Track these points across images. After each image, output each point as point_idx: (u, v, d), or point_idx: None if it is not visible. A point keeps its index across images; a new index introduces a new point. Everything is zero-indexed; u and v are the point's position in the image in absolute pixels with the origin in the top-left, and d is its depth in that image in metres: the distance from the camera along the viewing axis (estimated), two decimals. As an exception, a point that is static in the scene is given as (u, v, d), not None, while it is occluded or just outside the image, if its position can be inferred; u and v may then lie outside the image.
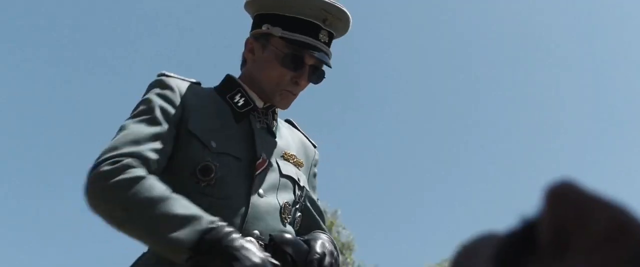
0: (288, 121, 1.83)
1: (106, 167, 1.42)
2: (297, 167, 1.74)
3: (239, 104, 1.66)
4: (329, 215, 21.44)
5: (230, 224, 1.46)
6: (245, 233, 1.49)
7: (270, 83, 1.66)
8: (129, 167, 1.43)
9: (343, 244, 21.46)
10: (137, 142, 1.49)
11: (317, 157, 1.85)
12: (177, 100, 1.58)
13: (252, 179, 1.59)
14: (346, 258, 21.45)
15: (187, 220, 1.38)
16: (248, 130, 1.66)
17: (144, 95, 1.62)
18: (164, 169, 1.53)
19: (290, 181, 1.68)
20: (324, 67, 1.73)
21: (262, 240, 1.51)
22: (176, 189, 1.48)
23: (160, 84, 1.62)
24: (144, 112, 1.56)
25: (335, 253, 1.57)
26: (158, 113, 1.55)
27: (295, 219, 1.67)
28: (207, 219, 1.39)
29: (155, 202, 1.40)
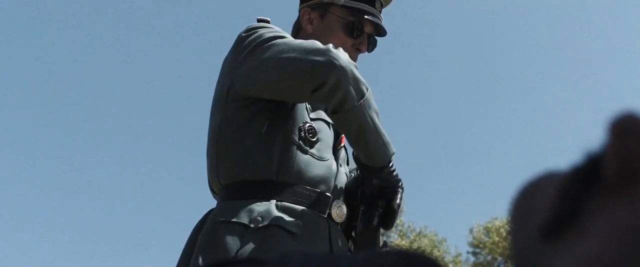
0: None
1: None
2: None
3: None
4: (376, 178, 21.50)
5: (326, 184, 1.54)
6: (336, 195, 1.56)
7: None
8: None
9: (392, 207, 21.48)
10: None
11: None
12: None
13: (338, 149, 1.65)
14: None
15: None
16: None
17: (263, 28, 1.57)
18: (270, 118, 1.53)
19: (347, 154, 1.74)
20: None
21: (344, 205, 1.57)
22: (279, 140, 1.51)
23: (271, 25, 1.60)
24: (282, 36, 1.53)
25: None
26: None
27: None
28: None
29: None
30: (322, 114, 1.62)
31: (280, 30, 1.57)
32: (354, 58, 1.68)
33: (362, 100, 1.42)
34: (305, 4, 1.77)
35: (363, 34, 1.71)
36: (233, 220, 1.42)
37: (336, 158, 1.61)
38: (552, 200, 0.24)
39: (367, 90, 1.44)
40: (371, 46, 1.75)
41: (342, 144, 1.66)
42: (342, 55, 1.42)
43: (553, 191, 0.24)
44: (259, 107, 1.53)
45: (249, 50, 1.51)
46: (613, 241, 0.21)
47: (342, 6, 1.71)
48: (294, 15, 1.84)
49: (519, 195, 0.25)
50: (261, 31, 1.54)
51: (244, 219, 1.41)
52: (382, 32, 1.75)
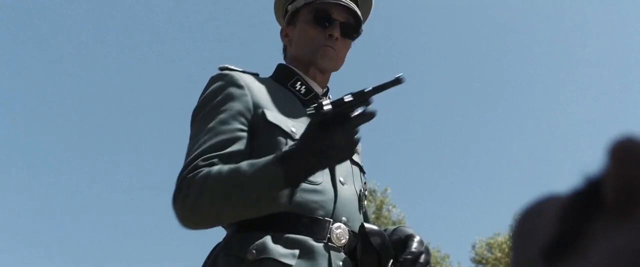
0: None
1: (182, 193, 1.37)
2: (357, 154, 1.73)
3: (302, 92, 1.67)
4: (378, 194, 21.49)
5: (324, 209, 1.48)
6: (336, 219, 1.50)
7: (307, 47, 1.68)
8: (202, 178, 1.37)
9: (394, 223, 21.48)
10: (210, 150, 1.42)
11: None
12: (246, 94, 1.54)
13: (333, 167, 1.56)
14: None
15: (263, 161, 1.32)
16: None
17: (209, 93, 1.56)
18: (250, 154, 1.47)
19: (358, 168, 1.70)
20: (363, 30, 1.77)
21: (348, 226, 1.52)
22: None
23: (223, 79, 1.57)
24: (214, 114, 1.50)
25: (429, 252, 1.55)
26: (229, 115, 1.49)
27: (364, 205, 1.68)
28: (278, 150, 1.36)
29: (230, 175, 1.34)
30: None
31: (224, 97, 1.53)
32: (330, 45, 1.66)
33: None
34: (284, 25, 1.79)
35: (334, 21, 1.67)
36: (231, 253, 1.42)
37: (333, 177, 1.55)
38: (553, 223, 0.24)
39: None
40: (348, 31, 1.70)
41: None
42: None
43: (554, 214, 0.24)
44: (238, 157, 1.47)
45: (191, 131, 1.53)
46: (613, 265, 0.21)
47: (306, 4, 1.70)
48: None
49: (521, 217, 0.26)
50: (203, 101, 1.55)
51: (240, 252, 1.40)
52: (354, 15, 1.70)
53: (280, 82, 1.68)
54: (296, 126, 1.55)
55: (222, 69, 1.63)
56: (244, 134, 1.48)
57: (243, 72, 1.63)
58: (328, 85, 1.74)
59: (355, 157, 1.69)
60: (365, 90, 1.29)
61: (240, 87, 1.54)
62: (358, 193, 1.62)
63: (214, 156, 1.41)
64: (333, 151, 1.28)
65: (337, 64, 1.70)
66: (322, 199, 1.49)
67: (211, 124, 1.47)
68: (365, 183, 1.71)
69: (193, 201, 1.34)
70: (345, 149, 1.30)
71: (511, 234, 0.26)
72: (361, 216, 1.62)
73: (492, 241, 22.91)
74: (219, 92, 1.54)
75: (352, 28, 1.71)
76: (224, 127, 1.46)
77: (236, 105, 1.51)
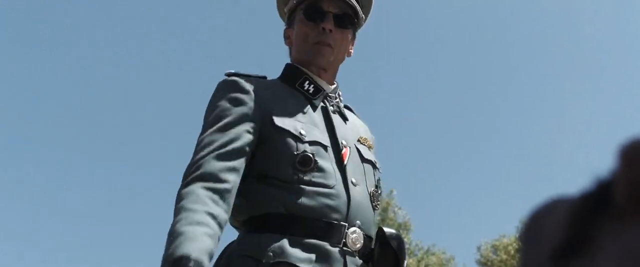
0: (346, 107, 1.79)
1: (179, 192, 1.39)
2: (370, 150, 1.72)
3: (310, 91, 1.65)
4: (384, 196, 21.47)
5: (339, 213, 1.48)
6: (351, 223, 1.50)
7: (303, 43, 1.66)
8: (178, 197, 1.39)
9: (400, 225, 21.42)
10: (212, 159, 1.43)
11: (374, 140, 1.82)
12: (252, 100, 1.54)
13: (343, 167, 1.56)
14: (404, 238, 21.38)
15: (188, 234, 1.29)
16: (326, 116, 1.64)
17: (215, 98, 1.56)
18: (261, 170, 1.49)
19: (371, 165, 1.68)
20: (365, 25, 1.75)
21: (363, 230, 1.52)
22: (279, 185, 1.47)
23: (229, 85, 1.57)
24: (218, 118, 1.50)
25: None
26: (234, 118, 1.50)
27: (378, 204, 1.66)
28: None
29: (176, 216, 1.35)
30: (316, 134, 1.57)
31: (229, 102, 1.53)
32: (325, 40, 1.64)
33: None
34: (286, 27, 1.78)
35: (326, 13, 1.65)
36: (246, 254, 1.42)
37: (345, 179, 1.54)
38: (562, 224, 0.24)
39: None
40: (343, 22, 1.68)
41: (345, 162, 1.57)
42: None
43: (564, 216, 0.24)
44: (247, 157, 1.50)
45: (201, 133, 1.53)
46: (623, 266, 0.21)
47: (298, 3, 1.69)
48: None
49: (530, 219, 0.26)
50: (210, 108, 1.55)
51: (256, 253, 1.41)
52: (350, 5, 1.68)
53: (288, 82, 1.67)
54: (305, 128, 1.55)
55: (228, 74, 1.62)
56: (249, 136, 1.48)
57: (249, 76, 1.62)
58: (336, 80, 1.72)
59: (367, 154, 1.68)
60: None
61: (246, 92, 1.55)
62: (370, 193, 1.61)
63: (212, 157, 1.42)
64: None
65: (336, 58, 1.68)
66: (336, 203, 1.49)
67: (215, 127, 1.48)
68: (378, 180, 1.69)
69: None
70: None
71: (520, 236, 0.26)
72: (375, 218, 1.61)
73: (497, 243, 22.84)
74: (224, 97, 1.54)
75: (347, 18, 1.68)
76: (228, 130, 1.48)
77: (241, 110, 1.51)
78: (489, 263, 22.73)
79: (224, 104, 1.53)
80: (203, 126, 1.53)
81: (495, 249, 22.82)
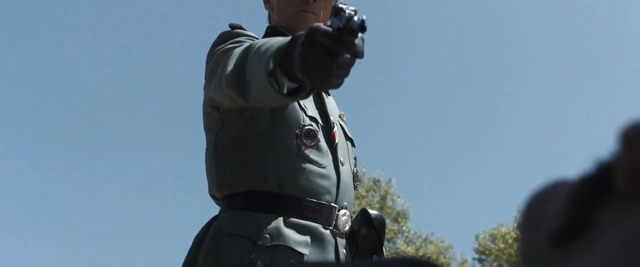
0: None
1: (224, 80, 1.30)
2: (344, 123, 1.70)
3: None
4: (383, 184, 21.49)
5: (330, 194, 1.48)
6: (339, 204, 1.51)
7: (287, 12, 1.64)
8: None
9: (398, 213, 21.46)
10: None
11: None
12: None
13: (334, 147, 1.55)
14: (402, 226, 21.48)
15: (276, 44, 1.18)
16: (317, 93, 1.59)
17: (220, 39, 1.51)
18: (266, 131, 1.46)
19: (350, 143, 1.67)
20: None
21: (347, 209, 1.53)
22: (279, 155, 1.44)
23: (234, 31, 1.54)
24: (226, 47, 1.42)
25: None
26: (242, 43, 1.43)
27: (358, 184, 1.66)
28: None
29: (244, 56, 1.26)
30: (313, 109, 1.55)
31: (244, 37, 1.48)
32: (309, 9, 1.62)
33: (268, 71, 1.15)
34: None
35: None
36: (240, 233, 1.39)
37: (335, 158, 1.53)
38: (562, 209, 0.24)
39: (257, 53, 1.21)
40: None
41: (336, 141, 1.55)
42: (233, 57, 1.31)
43: (563, 200, 0.24)
44: (253, 112, 1.46)
45: (209, 68, 1.45)
46: (623, 250, 0.21)
47: None
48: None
49: (529, 203, 0.25)
50: (219, 48, 1.45)
51: (252, 234, 1.38)
52: None
53: None
54: (304, 101, 1.54)
55: (232, 26, 1.60)
56: None
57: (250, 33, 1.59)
58: None
59: (348, 132, 1.67)
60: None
61: (251, 37, 1.51)
62: (353, 172, 1.61)
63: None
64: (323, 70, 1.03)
65: None
66: (328, 184, 1.49)
67: (228, 53, 1.40)
68: (355, 158, 1.68)
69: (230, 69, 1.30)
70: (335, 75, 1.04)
71: (520, 220, 0.26)
72: (353, 197, 1.61)
73: (495, 232, 22.90)
74: (231, 36, 1.50)
75: None
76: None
77: (249, 40, 1.46)
78: (487, 252, 22.79)
79: (232, 39, 1.48)
80: (216, 59, 1.43)
81: (493, 238, 22.88)
